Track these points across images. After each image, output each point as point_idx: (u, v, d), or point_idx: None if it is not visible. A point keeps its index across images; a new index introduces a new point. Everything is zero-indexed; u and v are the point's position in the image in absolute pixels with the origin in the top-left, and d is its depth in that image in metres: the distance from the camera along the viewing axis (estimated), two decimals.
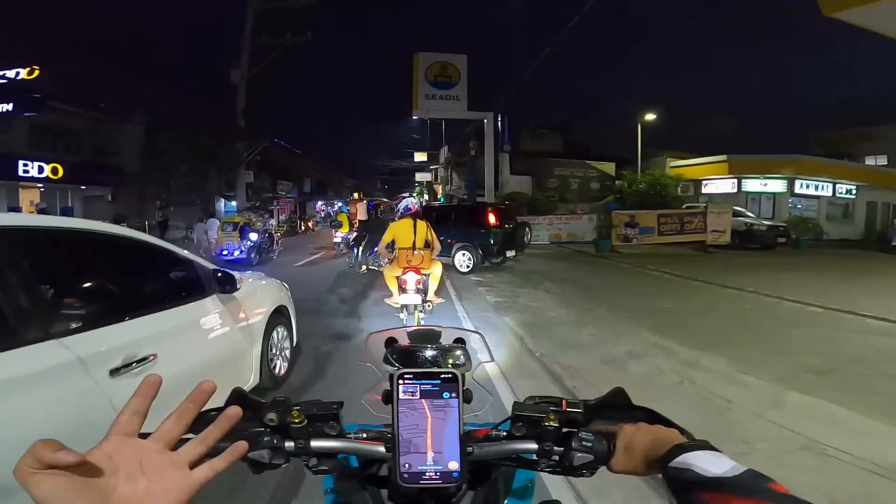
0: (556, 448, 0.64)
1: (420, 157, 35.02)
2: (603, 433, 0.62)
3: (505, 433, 0.70)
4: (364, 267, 10.34)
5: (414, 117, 24.58)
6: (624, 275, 10.43)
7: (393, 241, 4.96)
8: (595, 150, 24.89)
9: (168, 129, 18.19)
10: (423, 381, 0.65)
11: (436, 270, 5.01)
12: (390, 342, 0.90)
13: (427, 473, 0.63)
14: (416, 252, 4.74)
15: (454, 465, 0.63)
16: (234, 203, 19.37)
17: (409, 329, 0.95)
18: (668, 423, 0.62)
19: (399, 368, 0.73)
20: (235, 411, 0.49)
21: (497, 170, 18.78)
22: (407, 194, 7.67)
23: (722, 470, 0.46)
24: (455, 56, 18.29)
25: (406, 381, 0.65)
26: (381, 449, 0.67)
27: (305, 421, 0.63)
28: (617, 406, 0.69)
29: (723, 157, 19.76)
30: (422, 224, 4.92)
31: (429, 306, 4.92)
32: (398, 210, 5.23)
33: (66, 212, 19.44)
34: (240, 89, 18.86)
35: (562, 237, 14.98)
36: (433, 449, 0.63)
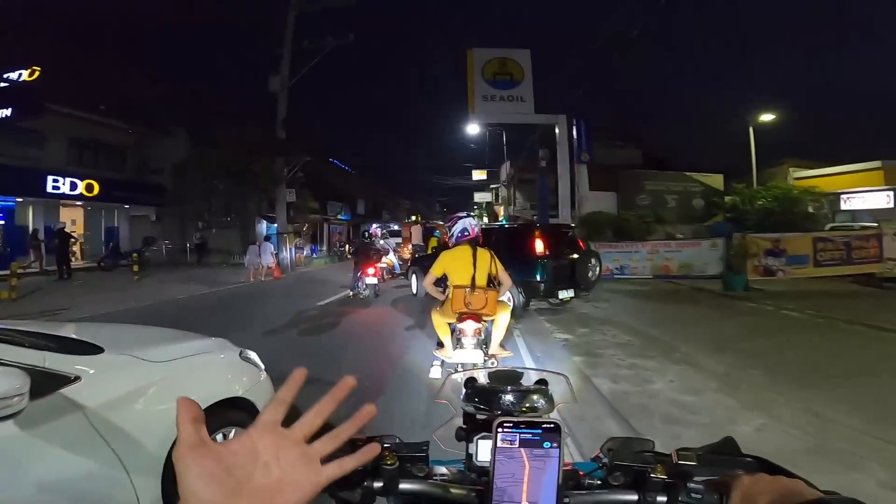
0: (658, 499, 0.62)
1: (479, 174, 32.42)
2: (715, 484, 0.58)
3: (599, 481, 0.69)
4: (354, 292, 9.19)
5: (470, 127, 22.39)
6: (785, 327, 6.92)
7: (445, 277, 3.85)
8: (680, 163, 20.97)
9: (206, 143, 17.01)
10: (524, 430, 0.63)
11: (502, 317, 3.88)
12: (470, 382, 0.89)
13: None
14: (475, 292, 3.63)
15: None
16: (275, 225, 17.65)
17: (489, 370, 0.94)
18: (786, 473, 0.56)
19: (476, 407, 0.81)
20: (371, 409, 0.48)
21: (573, 184, 15.64)
22: (464, 214, 5.05)
23: None
24: (516, 51, 15.67)
25: (506, 430, 0.62)
26: (472, 494, 0.66)
27: (397, 463, 0.63)
28: (725, 455, 0.64)
29: (875, 164, 15.39)
30: (484, 254, 3.84)
31: (492, 363, 3.77)
32: (453, 235, 4.02)
33: (111, 231, 18.94)
34: (280, 98, 17.38)
35: (670, 269, 11.43)
36: (528, 499, 0.61)
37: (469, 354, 3.58)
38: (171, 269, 16.00)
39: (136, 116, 17.99)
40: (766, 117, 16.71)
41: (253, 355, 2.64)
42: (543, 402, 0.84)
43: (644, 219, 14.70)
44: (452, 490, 0.66)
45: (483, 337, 3.71)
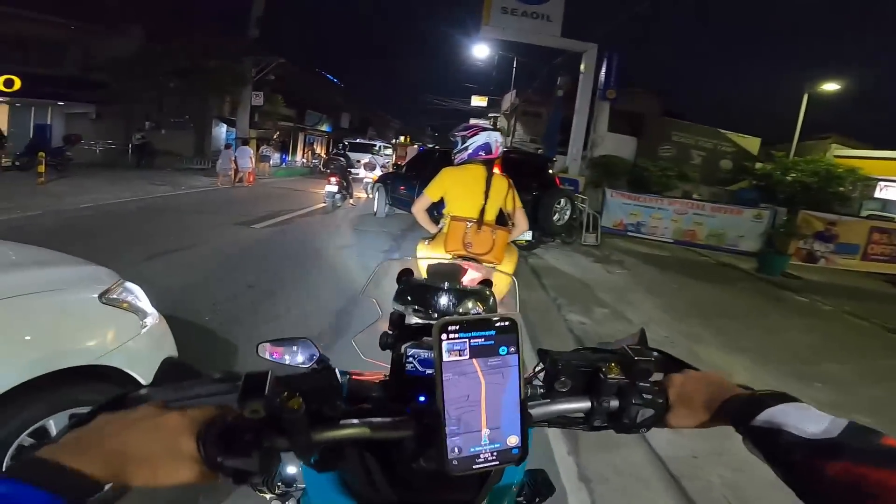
0: (612, 404, 0.58)
1: (478, 100, 29.54)
2: (658, 384, 0.59)
3: (542, 388, 0.62)
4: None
5: (478, 48, 19.49)
6: (867, 344, 5.52)
7: (442, 202, 2.82)
8: (705, 120, 18.78)
9: (161, 40, 14.22)
10: (475, 334, 0.51)
11: (507, 266, 2.79)
12: (404, 275, 0.77)
13: (482, 455, 0.50)
14: (481, 229, 2.68)
15: (514, 440, 0.51)
16: (234, 130, 15.25)
17: (430, 260, 0.85)
18: (690, 366, 0.62)
19: (409, 307, 0.70)
20: None
21: (591, 122, 13.52)
22: (488, 125, 3.53)
23: (822, 427, 0.44)
24: None
25: (451, 336, 0.50)
26: (410, 434, 0.53)
27: (304, 407, 0.48)
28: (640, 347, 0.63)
29: None
30: (501, 182, 2.81)
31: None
32: (466, 148, 2.81)
33: (41, 129, 16.48)
34: None
35: (697, 236, 9.80)
36: (489, 424, 0.50)
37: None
38: (102, 170, 13.72)
39: (81, 10, 15.04)
40: (829, 86, 14.46)
41: (135, 293, 1.85)
42: (482, 308, 0.76)
43: (667, 172, 12.86)
44: (378, 431, 0.52)
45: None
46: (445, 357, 0.49)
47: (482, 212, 2.75)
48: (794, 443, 0.44)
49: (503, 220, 2.94)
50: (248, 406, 0.45)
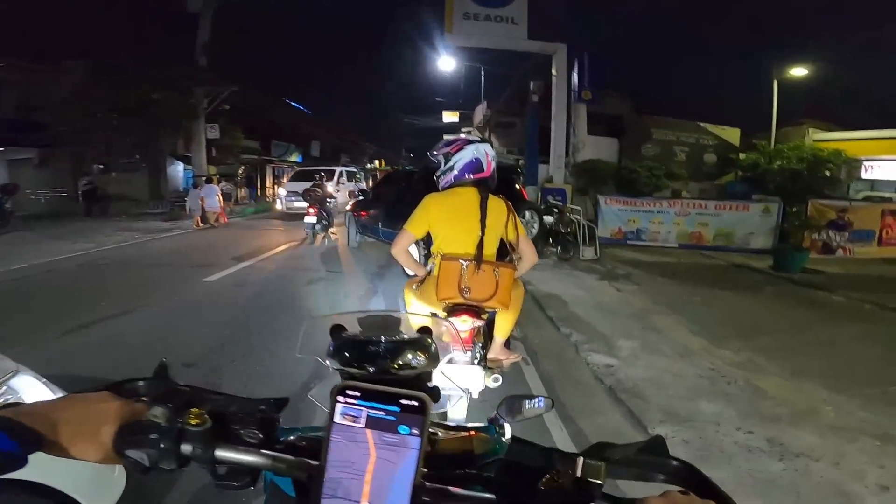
0: None
1: (449, 116, 28.99)
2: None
3: (489, 474, 0.58)
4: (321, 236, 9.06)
5: (443, 61, 18.90)
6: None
7: (429, 237, 2.30)
8: (681, 114, 18.32)
9: (110, 75, 13.16)
10: (375, 405, 0.49)
11: (514, 305, 2.28)
12: (335, 331, 0.75)
13: None
14: (481, 269, 2.13)
15: None
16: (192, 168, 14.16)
17: (359, 314, 0.78)
18: (711, 488, 0.48)
19: (343, 367, 0.68)
20: None
21: (570, 126, 12.87)
22: (475, 137, 2.50)
23: None
24: None
25: (348, 401, 0.50)
26: (303, 475, 0.53)
27: (209, 423, 0.52)
28: (650, 457, 0.53)
29: None
30: (499, 206, 2.26)
31: (495, 379, 2.12)
32: (451, 168, 2.27)
33: None
34: (203, 18, 13.63)
35: (703, 238, 9.01)
36: (370, 499, 0.47)
37: (463, 373, 1.96)
38: (48, 222, 12.45)
39: (17, 47, 13.98)
40: (797, 71, 14.23)
41: (19, 393, 1.56)
42: (423, 359, 0.71)
43: (654, 172, 12.21)
44: (278, 464, 0.53)
45: (483, 341, 2.29)
46: (337, 419, 0.49)
47: (480, 246, 2.18)
48: None
49: (504, 251, 2.37)
50: (152, 412, 0.51)
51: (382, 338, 0.72)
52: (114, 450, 0.50)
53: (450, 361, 1.96)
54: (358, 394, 0.50)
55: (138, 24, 14.25)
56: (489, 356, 2.31)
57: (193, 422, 0.51)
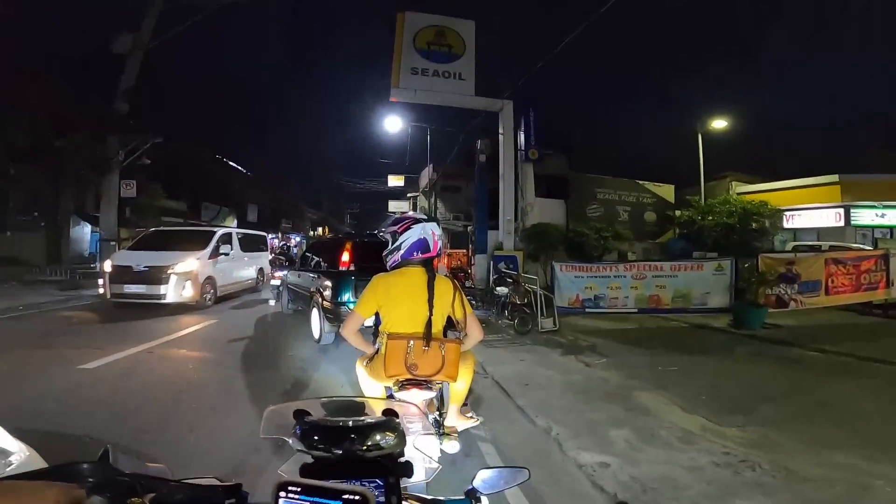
0: None
1: (395, 180, 28.90)
2: None
3: None
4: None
5: (389, 121, 18.88)
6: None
7: (377, 317, 2.34)
8: (612, 172, 19.22)
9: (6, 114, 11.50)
10: (318, 500, 0.50)
11: (466, 372, 2.39)
12: (298, 415, 0.76)
13: None
14: (429, 347, 2.19)
15: None
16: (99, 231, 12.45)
17: (321, 399, 0.83)
18: None
19: (309, 450, 0.70)
20: None
21: (518, 188, 12.77)
22: (421, 215, 2.38)
23: None
24: (458, 21, 12.95)
25: (290, 496, 0.51)
26: None
27: None
28: None
29: (832, 178, 14.64)
30: (445, 285, 2.33)
31: (451, 442, 2.25)
32: (398, 248, 2.35)
33: None
34: (130, 62, 12.57)
35: (662, 301, 8.68)
36: None
37: (420, 444, 1.50)
38: None
39: None
40: (718, 124, 15.45)
41: None
42: (392, 439, 0.73)
43: (602, 234, 12.18)
44: None
45: (438, 408, 2.37)
46: None
47: (428, 325, 2.22)
48: None
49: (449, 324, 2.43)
50: (90, 502, 0.51)
51: (350, 422, 0.73)
52: None
53: (409, 432, 1.60)
54: (299, 489, 0.50)
55: (52, 63, 12.81)
56: (446, 423, 2.36)
57: None
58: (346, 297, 6.14)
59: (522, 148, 12.95)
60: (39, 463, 1.77)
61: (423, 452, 0.83)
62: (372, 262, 7.45)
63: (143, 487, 0.56)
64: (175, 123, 15.29)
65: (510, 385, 4.89)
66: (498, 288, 8.69)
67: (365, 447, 0.71)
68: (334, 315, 6.16)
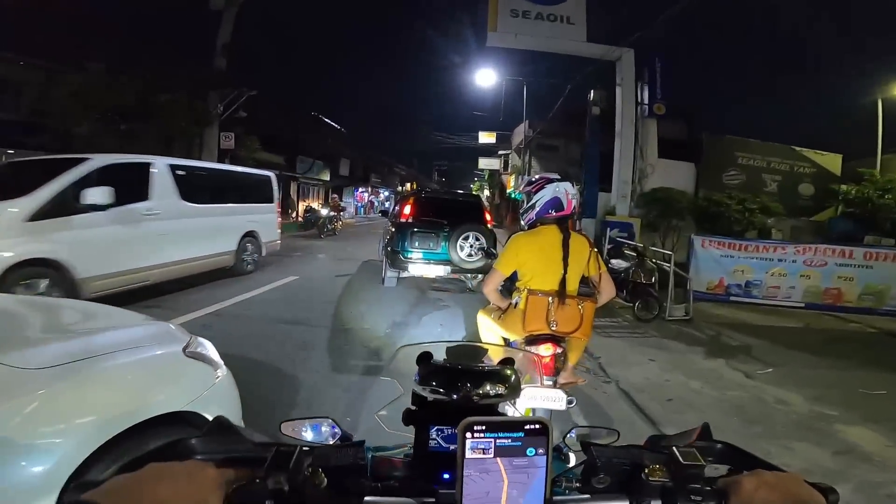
0: None
1: (486, 136, 27.56)
2: (715, 489, 0.54)
3: (577, 482, 0.62)
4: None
5: (482, 74, 17.56)
6: None
7: (515, 275, 2.45)
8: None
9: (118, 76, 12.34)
10: (501, 434, 0.53)
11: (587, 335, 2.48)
12: (423, 358, 0.78)
13: None
14: (566, 303, 2.30)
15: None
16: None
17: (448, 343, 0.87)
18: (761, 462, 0.57)
19: (430, 389, 0.72)
20: None
21: (637, 147, 11.05)
22: (555, 176, 2.46)
23: None
24: None
25: (476, 435, 0.53)
26: None
27: (325, 482, 0.54)
28: (700, 442, 0.61)
29: None
30: (581, 243, 2.39)
31: (569, 398, 2.01)
32: (533, 206, 2.42)
33: None
34: (225, 18, 12.79)
35: (843, 296, 6.75)
36: None
37: (544, 395, 1.91)
38: None
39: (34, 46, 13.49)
40: None
41: (207, 347, 2.03)
42: (504, 389, 0.75)
43: (747, 206, 10.12)
44: None
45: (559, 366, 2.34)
46: (469, 454, 0.52)
47: (563, 282, 2.30)
48: None
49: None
50: (273, 477, 0.51)
51: (469, 366, 0.75)
52: None
53: (534, 383, 2.01)
54: (484, 427, 0.52)
55: (156, 25, 13.48)
56: (560, 381, 2.38)
57: (317, 482, 0.53)
58: (404, 245, 6.75)
59: (646, 102, 11.12)
60: (232, 383, 1.99)
61: (534, 402, 0.89)
62: (430, 215, 7.23)
63: (297, 456, 0.54)
64: (271, 79, 15.45)
65: (645, 400, 3.83)
66: (613, 260, 7.43)
67: (479, 394, 0.72)
68: (393, 261, 6.87)
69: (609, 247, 8.40)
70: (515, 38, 10.96)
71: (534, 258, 2.36)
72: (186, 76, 11.50)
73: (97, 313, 2.11)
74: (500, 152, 29.24)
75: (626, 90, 10.87)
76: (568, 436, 0.77)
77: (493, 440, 0.52)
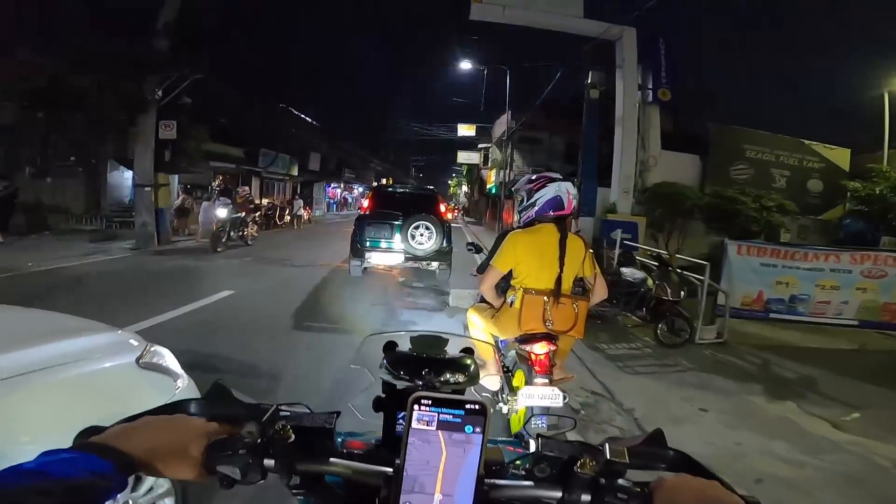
0: (583, 498, 0.59)
1: (465, 129, 26.37)
2: (641, 486, 0.57)
3: (524, 470, 0.65)
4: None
5: (462, 63, 16.40)
6: None
7: (510, 273, 2.49)
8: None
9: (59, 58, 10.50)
10: (444, 410, 0.58)
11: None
12: (389, 347, 0.85)
13: None
14: (561, 302, 2.36)
15: None
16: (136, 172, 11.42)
17: (412, 333, 0.90)
18: (707, 473, 0.58)
19: (395, 377, 0.78)
20: None
21: (640, 136, 10.02)
22: (557, 175, 2.48)
23: None
24: None
25: (423, 408, 0.58)
26: (379, 478, 0.61)
27: (293, 437, 0.59)
28: (652, 448, 0.64)
29: None
30: (577, 244, 2.45)
31: (565, 398, 2.24)
32: (533, 204, 2.48)
33: None
34: None
35: None
36: (443, 490, 0.57)
37: (542, 394, 2.16)
38: None
39: None
40: None
41: (165, 356, 1.93)
42: (463, 378, 0.81)
43: (764, 203, 9.19)
44: (357, 472, 0.62)
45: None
46: (414, 424, 0.57)
47: (558, 281, 2.36)
48: None
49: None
50: (246, 428, 0.56)
51: (433, 355, 0.82)
52: (203, 466, 0.55)
53: (531, 385, 2.27)
54: (430, 402, 0.57)
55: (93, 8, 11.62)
56: (554, 378, 2.40)
57: (284, 435, 0.57)
58: (363, 235, 7.37)
59: (649, 86, 10.10)
60: (196, 392, 1.90)
61: (486, 390, 0.99)
62: (387, 208, 7.58)
63: (272, 416, 0.61)
64: (225, 62, 13.76)
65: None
66: (625, 269, 6.26)
67: (440, 381, 0.76)
68: (354, 252, 7.46)
69: (619, 252, 7.27)
70: (503, 12, 9.76)
71: (531, 256, 2.40)
72: (111, 55, 9.79)
73: (34, 319, 2.00)
74: (481, 146, 28.10)
75: (627, 73, 9.82)
76: (531, 423, 0.87)
77: (436, 414, 0.57)
